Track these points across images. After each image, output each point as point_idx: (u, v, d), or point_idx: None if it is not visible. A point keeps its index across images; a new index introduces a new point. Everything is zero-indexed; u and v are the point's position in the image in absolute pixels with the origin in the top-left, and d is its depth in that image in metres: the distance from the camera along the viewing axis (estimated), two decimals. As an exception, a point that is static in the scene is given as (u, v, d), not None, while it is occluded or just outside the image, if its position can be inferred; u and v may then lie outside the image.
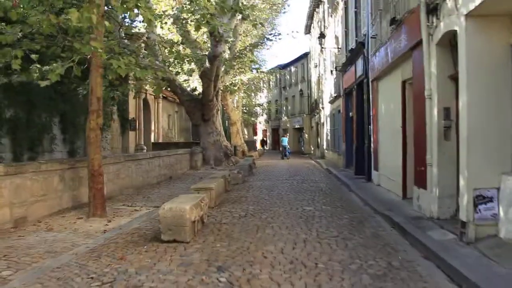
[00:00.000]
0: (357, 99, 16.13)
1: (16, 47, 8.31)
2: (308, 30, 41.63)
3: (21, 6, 9.25)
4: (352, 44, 16.96)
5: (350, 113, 18.75)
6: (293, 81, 51.18)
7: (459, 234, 6.01)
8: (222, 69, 21.70)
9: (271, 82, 55.22)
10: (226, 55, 21.90)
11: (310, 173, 18.59)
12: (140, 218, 8.47)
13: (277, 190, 12.39)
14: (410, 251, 5.91)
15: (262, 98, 55.62)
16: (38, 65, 8.42)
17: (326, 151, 29.96)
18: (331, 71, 22.09)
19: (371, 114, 13.72)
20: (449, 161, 7.24)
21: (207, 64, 18.72)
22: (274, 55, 79.91)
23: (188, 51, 22.98)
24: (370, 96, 13.71)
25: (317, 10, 33.70)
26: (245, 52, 20.78)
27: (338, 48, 20.94)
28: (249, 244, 6.15)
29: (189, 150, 20.32)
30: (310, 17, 37.82)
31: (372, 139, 13.61)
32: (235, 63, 21.84)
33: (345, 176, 16.00)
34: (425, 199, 7.95)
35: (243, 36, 23.16)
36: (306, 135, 45.34)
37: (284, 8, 31.45)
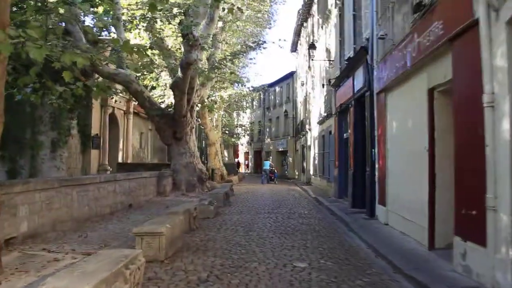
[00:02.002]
0: (355, 117, 13.51)
1: None
2: (294, 47, 39.47)
3: None
4: (349, 53, 14.44)
5: (345, 134, 16.14)
6: (277, 101, 48.77)
7: None
8: (198, 81, 18.99)
9: (254, 102, 52.79)
10: (204, 64, 19.24)
11: (297, 204, 15.81)
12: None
13: (257, 230, 9.55)
14: None
15: (244, 118, 53.03)
16: None
17: (313, 176, 27.28)
18: (323, 85, 19.56)
19: (375, 134, 11.09)
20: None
21: (179, 74, 16.01)
22: (258, 73, 77.72)
23: (161, 62, 20.36)
24: (375, 112, 11.10)
25: (305, 24, 31.48)
26: (225, 62, 18.10)
27: (330, 61, 18.44)
28: None
29: (156, 173, 17.40)
30: (297, 33, 35.68)
31: (376, 165, 10.95)
32: (213, 75, 19.13)
33: (339, 209, 13.27)
34: (480, 261, 5.23)
35: (224, 45, 20.49)
36: (291, 158, 42.77)
37: (270, 24, 29.08)
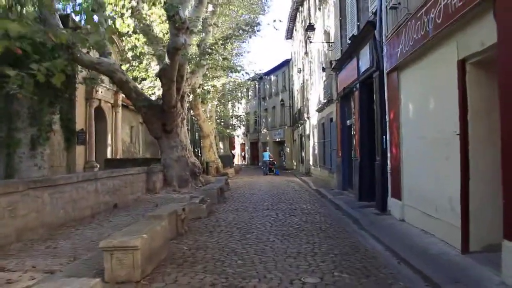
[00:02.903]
0: (361, 101, 12.25)
1: None
2: (290, 34, 38.13)
3: None
4: (353, 31, 13.14)
5: (348, 121, 14.88)
6: (273, 90, 47.42)
7: None
8: (188, 68, 17.66)
9: (249, 92, 51.46)
10: (194, 50, 17.89)
11: (298, 198, 14.56)
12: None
13: (255, 231, 8.29)
14: None
15: (240, 109, 51.68)
16: None
17: (312, 167, 26.05)
18: (323, 69, 18.21)
19: (386, 119, 9.82)
20: None
21: (167, 60, 14.65)
22: (252, 62, 76.17)
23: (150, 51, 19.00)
24: (385, 94, 9.82)
25: (300, 9, 30.13)
26: (216, 47, 16.72)
27: (330, 43, 17.11)
28: None
29: (145, 169, 16.10)
30: (293, 19, 34.29)
31: (389, 154, 9.70)
32: (204, 62, 17.77)
33: (345, 203, 12.05)
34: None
35: (215, 29, 19.03)
36: (288, 149, 41.50)
37: (264, 10, 27.68)
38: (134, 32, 14.62)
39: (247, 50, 67.25)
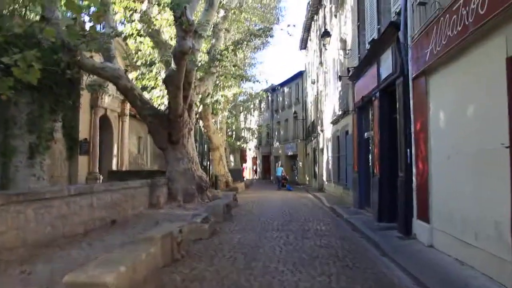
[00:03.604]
0: (381, 111, 11.16)
1: None
2: (304, 45, 37.25)
3: None
4: (372, 35, 12.12)
5: (366, 134, 13.78)
6: (286, 103, 46.41)
7: None
8: (197, 75, 16.74)
9: (262, 105, 50.54)
10: (202, 56, 16.97)
11: (311, 216, 13.42)
12: None
13: (262, 258, 7.19)
14: None
15: (252, 122, 50.74)
16: None
17: (326, 182, 24.87)
18: (339, 77, 17.12)
19: (411, 130, 8.73)
20: None
21: (173, 65, 13.73)
22: (264, 72, 75.38)
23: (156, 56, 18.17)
24: (411, 102, 8.74)
25: (315, 18, 29.23)
26: (226, 53, 15.78)
27: (347, 50, 16.08)
28: None
29: (148, 182, 15.10)
30: (307, 29, 33.43)
31: (414, 169, 8.58)
32: (213, 68, 16.82)
33: (363, 223, 10.91)
34: None
35: (226, 34, 18.07)
36: (301, 163, 40.35)
37: (278, 20, 26.76)
38: (139, 35, 13.71)
39: (259, 61, 66.39)
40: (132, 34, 13.84)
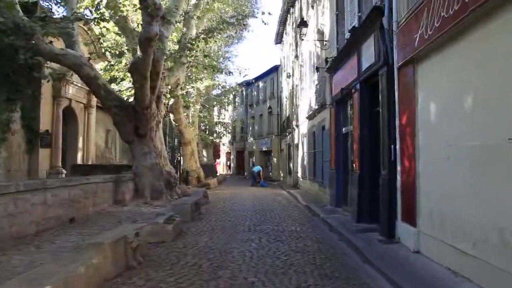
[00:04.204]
0: (361, 104, 10.43)
1: None
2: (279, 39, 36.49)
3: None
4: (353, 23, 11.37)
5: (344, 128, 13.09)
6: (260, 97, 45.63)
7: None
8: (166, 65, 15.75)
9: (236, 99, 49.63)
10: (171, 46, 15.99)
11: (286, 216, 12.64)
12: None
13: (231, 266, 6.33)
14: None
15: (226, 116, 49.79)
16: None
17: (301, 179, 24.19)
18: (317, 68, 16.33)
19: (396, 124, 8.00)
20: None
21: (139, 52, 12.74)
22: (239, 67, 74.29)
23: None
24: (396, 94, 8.01)
25: (291, 10, 28.45)
26: (197, 41, 14.79)
27: (324, 41, 15.33)
28: None
29: (112, 177, 14.07)
30: (283, 22, 32.65)
31: (399, 167, 7.86)
32: (184, 58, 15.85)
33: (341, 223, 10.18)
34: None
35: (197, 21, 17.01)
36: (275, 159, 39.64)
37: (253, 12, 25.81)
38: (102, 19, 12.63)
39: (234, 54, 65.36)
40: (95, 18, 12.73)
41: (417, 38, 6.73)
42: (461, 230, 5.49)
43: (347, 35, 11.87)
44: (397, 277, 5.69)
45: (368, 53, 9.66)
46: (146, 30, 11.99)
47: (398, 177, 7.84)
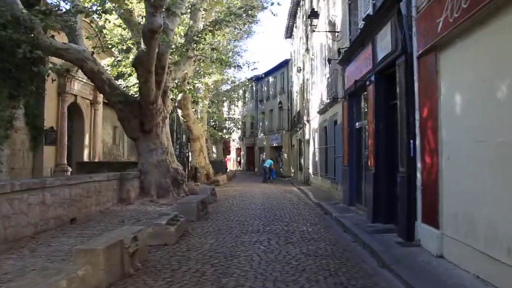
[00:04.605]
0: (376, 97, 9.83)
1: None
2: (289, 33, 35.85)
3: None
4: (367, 11, 10.76)
5: (357, 123, 12.49)
6: (271, 93, 45.02)
7: None
8: (172, 59, 15.24)
9: (246, 95, 49.12)
10: (177, 39, 15.47)
11: (297, 214, 12.08)
12: None
13: (237, 272, 5.80)
14: None
15: (236, 112, 49.27)
16: None
17: (312, 175, 23.61)
18: (329, 60, 15.66)
19: (415, 117, 7.40)
20: None
21: (142, 45, 12.23)
22: (249, 62, 73.53)
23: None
24: (415, 84, 7.40)
25: (301, 3, 27.78)
26: (203, 34, 14.22)
27: (336, 32, 14.71)
28: None
29: (117, 175, 13.61)
30: (293, 15, 32.02)
31: (419, 164, 7.26)
32: (190, 52, 15.31)
33: (355, 224, 9.59)
34: None
35: (204, 13, 16.41)
36: (285, 154, 39.07)
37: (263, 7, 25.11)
38: (104, 11, 12.11)
39: (244, 49, 64.64)
40: (96, 10, 12.24)
41: (440, 23, 6.12)
42: (493, 235, 4.90)
43: (361, 24, 11.27)
44: (419, 284, 5.14)
45: (384, 42, 9.05)
46: (149, 22, 11.47)
47: (418, 175, 7.25)
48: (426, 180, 6.97)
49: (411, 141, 7.56)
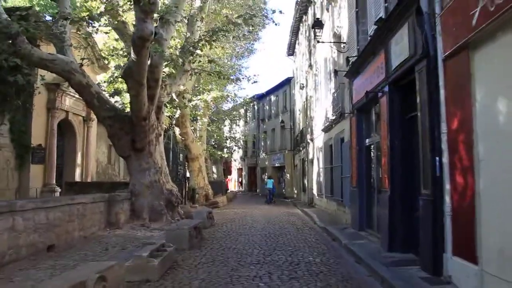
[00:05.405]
0: (391, 109, 8.74)
1: None
2: (291, 50, 35.06)
3: None
4: (378, 15, 9.76)
5: (367, 140, 11.40)
6: (273, 111, 44.09)
7: None
8: (167, 72, 14.25)
9: (248, 114, 48.25)
10: (173, 50, 14.50)
11: (302, 241, 10.86)
12: None
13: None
14: None
15: (238, 131, 48.32)
16: None
17: (316, 196, 22.40)
18: (335, 71, 14.63)
19: (442, 131, 6.29)
20: None
21: (133, 55, 11.21)
22: (247, 75, 72.73)
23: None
24: (441, 92, 6.31)
25: (304, 18, 26.98)
26: (200, 45, 13.20)
27: (343, 43, 13.72)
28: None
29: (104, 197, 12.47)
30: (295, 32, 31.25)
31: (448, 184, 6.13)
32: (187, 65, 14.34)
33: (368, 253, 8.41)
34: None
35: (201, 23, 15.43)
36: (288, 175, 37.88)
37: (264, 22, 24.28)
38: (92, 18, 11.14)
39: (245, 67, 64.02)
40: (83, 18, 11.26)
41: (476, 14, 5.06)
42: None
43: (371, 31, 10.26)
44: None
45: (400, 47, 8.01)
46: (139, 29, 10.46)
47: (447, 198, 6.10)
48: (458, 205, 5.83)
49: (437, 158, 6.44)
